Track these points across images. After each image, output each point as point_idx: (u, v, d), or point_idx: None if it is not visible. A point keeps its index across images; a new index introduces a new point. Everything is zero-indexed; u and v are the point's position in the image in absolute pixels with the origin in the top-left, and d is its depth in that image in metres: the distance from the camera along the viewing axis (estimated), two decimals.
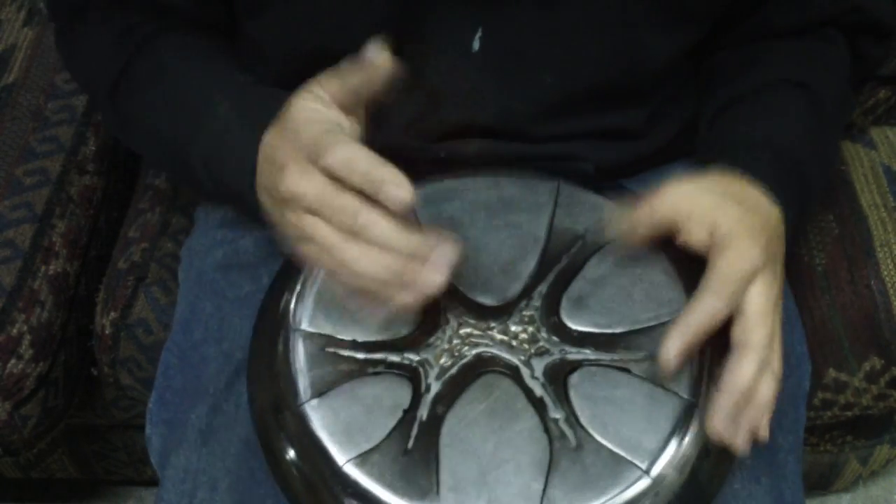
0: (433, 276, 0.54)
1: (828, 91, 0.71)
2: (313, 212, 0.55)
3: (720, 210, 0.58)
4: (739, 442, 0.55)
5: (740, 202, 0.59)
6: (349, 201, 0.54)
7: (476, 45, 0.67)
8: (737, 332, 0.56)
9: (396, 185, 0.53)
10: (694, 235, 0.58)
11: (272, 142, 0.59)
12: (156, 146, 0.74)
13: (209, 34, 0.74)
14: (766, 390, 0.55)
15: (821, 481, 1.18)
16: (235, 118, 0.64)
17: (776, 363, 0.57)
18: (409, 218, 0.54)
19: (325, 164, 0.54)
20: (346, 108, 0.59)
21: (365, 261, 0.54)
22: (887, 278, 0.86)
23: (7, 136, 0.97)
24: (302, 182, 0.55)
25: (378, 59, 0.57)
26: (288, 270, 0.65)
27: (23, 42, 1.04)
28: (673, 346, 0.55)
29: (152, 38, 0.71)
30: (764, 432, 0.56)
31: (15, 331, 0.88)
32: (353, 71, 0.58)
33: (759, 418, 0.55)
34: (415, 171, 0.67)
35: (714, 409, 0.55)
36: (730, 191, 0.60)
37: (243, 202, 0.63)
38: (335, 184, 0.54)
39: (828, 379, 0.90)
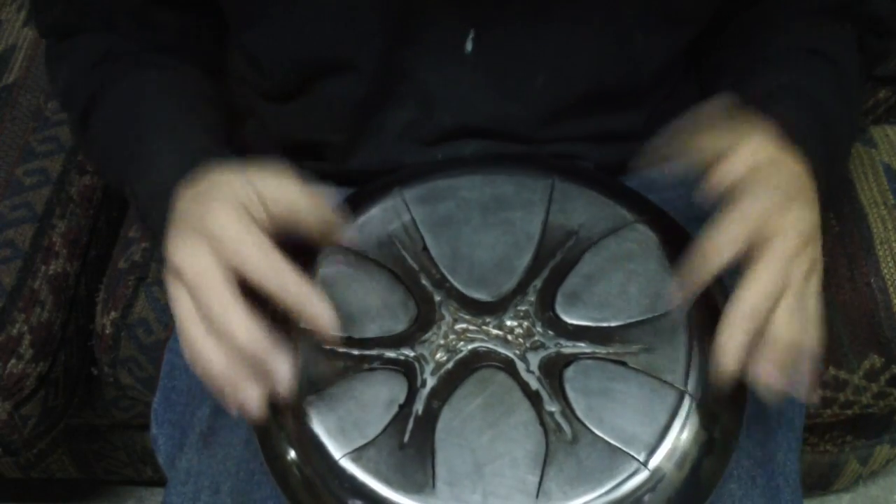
0: (256, 397, 0.53)
1: (845, 58, 0.70)
2: (186, 287, 0.53)
3: (756, 147, 0.56)
4: (760, 382, 0.52)
5: (775, 143, 0.58)
6: (220, 289, 0.52)
7: (469, 46, 0.67)
8: (755, 255, 0.53)
9: (313, 304, 0.53)
10: (729, 169, 0.56)
11: (185, 204, 0.58)
12: (107, 175, 0.75)
13: (190, 60, 0.74)
14: (784, 325, 0.52)
15: (821, 481, 1.17)
16: (171, 172, 0.62)
17: (811, 301, 0.54)
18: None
19: (239, 268, 0.53)
20: (269, 217, 0.56)
21: (208, 350, 0.52)
22: (887, 276, 0.86)
23: (7, 136, 0.97)
24: (185, 255, 0.53)
25: (335, 223, 0.57)
26: None
27: (23, 42, 1.04)
28: (691, 281, 0.54)
29: (125, 70, 0.71)
30: (797, 384, 0.52)
31: (15, 331, 0.88)
32: (309, 203, 0.56)
33: (778, 356, 0.52)
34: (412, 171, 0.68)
35: (720, 336, 0.52)
36: (767, 135, 0.58)
37: None
38: (216, 269, 0.53)
39: (827, 377, 0.90)
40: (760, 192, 0.54)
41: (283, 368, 0.53)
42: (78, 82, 0.72)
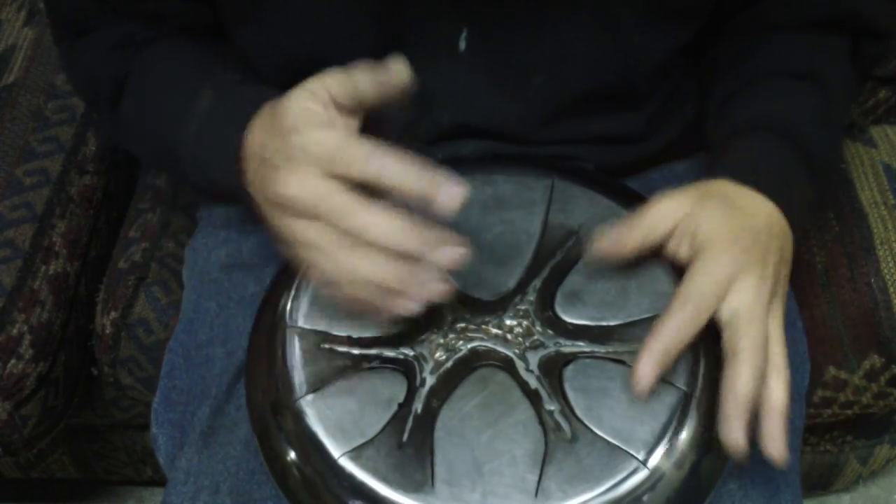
0: (437, 284, 0.53)
1: (832, 74, 0.71)
2: (308, 216, 0.53)
3: (700, 218, 0.58)
4: (773, 453, 0.55)
5: (725, 205, 0.59)
6: (346, 202, 0.52)
7: (462, 45, 0.67)
8: (724, 340, 0.56)
9: (441, 183, 0.52)
10: (679, 251, 0.59)
11: (260, 139, 0.58)
12: (151, 150, 0.74)
13: (204, 39, 0.74)
14: (780, 395, 0.55)
15: (821, 481, 1.17)
16: (217, 113, 0.63)
17: (780, 361, 0.56)
18: (414, 216, 0.52)
19: (358, 173, 0.52)
20: (346, 112, 0.56)
21: (364, 266, 0.52)
22: (887, 276, 0.86)
23: (7, 136, 0.97)
24: (295, 185, 0.53)
25: (398, 71, 0.56)
26: (287, 270, 0.65)
27: (23, 42, 1.04)
28: (645, 370, 0.55)
29: (148, 44, 0.72)
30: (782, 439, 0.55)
31: (15, 331, 0.88)
32: (365, 75, 0.56)
33: (784, 426, 0.55)
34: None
35: (723, 423, 0.55)
36: (716, 195, 0.60)
37: (238, 199, 0.61)
38: (331, 185, 0.52)
39: (827, 377, 0.90)
40: (708, 271, 0.56)
41: (449, 250, 0.52)
42: (101, 67, 0.72)
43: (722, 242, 0.57)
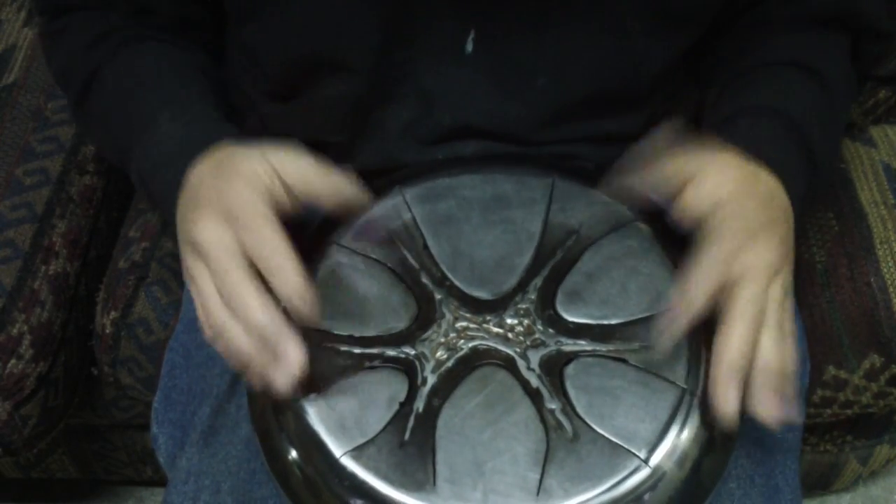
0: (281, 377, 0.54)
1: (832, 70, 0.71)
2: (203, 261, 0.56)
3: (716, 179, 0.58)
4: (758, 411, 0.54)
5: (738, 169, 0.59)
6: (235, 264, 0.54)
7: (469, 47, 0.67)
8: (726, 300, 0.55)
9: (298, 297, 0.54)
10: (690, 205, 0.58)
11: (201, 177, 0.60)
12: (109, 150, 0.75)
13: (188, 42, 0.74)
14: (771, 353, 0.54)
15: (821, 481, 1.17)
16: (171, 141, 0.65)
17: (787, 324, 0.56)
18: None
19: (251, 250, 0.54)
20: (289, 196, 0.58)
21: (227, 328, 0.54)
22: (887, 276, 0.86)
23: (7, 136, 0.97)
24: (203, 228, 0.55)
25: (358, 196, 0.59)
26: None
27: (23, 42, 1.04)
28: (672, 323, 0.55)
29: (125, 44, 0.72)
30: (784, 406, 0.54)
31: (15, 331, 0.88)
32: (324, 176, 0.58)
33: (772, 385, 0.54)
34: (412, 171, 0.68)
35: (711, 385, 0.54)
36: (730, 161, 0.60)
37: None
38: (232, 243, 0.54)
39: (827, 376, 0.90)
40: (725, 233, 0.56)
41: (293, 353, 0.54)
42: (76, 60, 0.72)
43: (736, 205, 0.57)
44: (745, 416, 0.56)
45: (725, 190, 0.57)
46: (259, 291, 0.54)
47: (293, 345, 0.54)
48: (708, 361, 0.57)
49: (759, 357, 0.54)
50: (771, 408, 0.54)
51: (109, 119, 0.71)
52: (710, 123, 0.71)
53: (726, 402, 0.53)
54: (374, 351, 0.59)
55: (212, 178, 0.58)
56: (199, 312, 0.56)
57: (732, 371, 0.53)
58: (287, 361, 0.54)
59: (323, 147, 0.75)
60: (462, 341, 0.60)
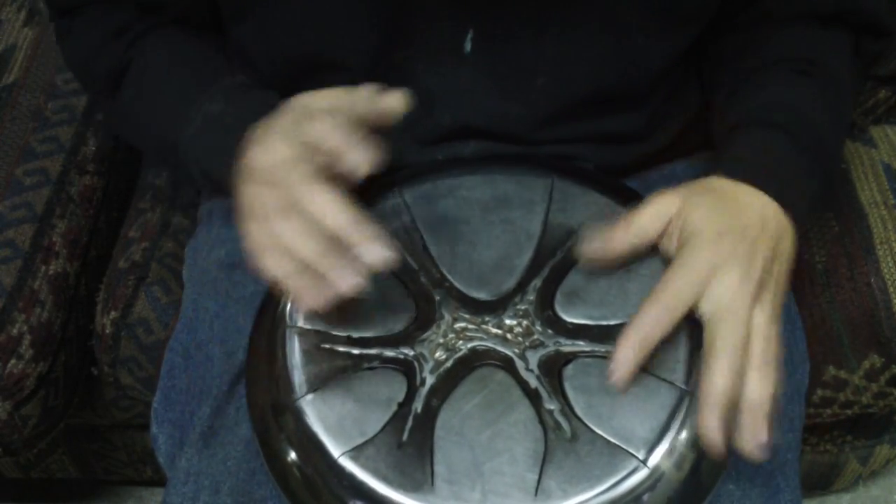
0: (352, 277, 0.53)
1: (835, 63, 0.71)
2: (267, 182, 0.56)
3: (690, 213, 0.58)
4: (746, 448, 0.54)
5: (717, 200, 0.59)
6: (302, 173, 0.54)
7: (468, 47, 0.67)
8: (704, 335, 0.56)
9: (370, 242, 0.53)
10: (669, 247, 0.59)
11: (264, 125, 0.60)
12: (150, 141, 0.74)
13: (200, 32, 0.74)
14: (756, 391, 0.54)
15: (821, 481, 1.17)
16: (224, 115, 0.65)
17: (772, 353, 0.56)
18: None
19: (325, 149, 0.55)
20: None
21: (289, 235, 0.54)
22: (887, 276, 0.86)
23: (7, 136, 0.97)
24: (264, 151, 0.56)
25: (395, 103, 0.58)
26: None
27: (23, 42, 1.04)
28: (621, 359, 0.55)
29: (145, 35, 0.72)
30: (760, 436, 0.54)
31: (15, 331, 0.88)
32: (363, 98, 0.58)
33: (759, 421, 0.54)
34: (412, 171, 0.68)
35: (699, 418, 0.54)
36: (709, 191, 0.60)
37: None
38: (297, 155, 0.55)
39: (827, 377, 0.90)
40: (688, 264, 0.56)
41: (376, 249, 0.53)
42: (98, 52, 0.72)
43: (706, 236, 0.57)
44: None
45: (702, 217, 0.58)
46: (336, 193, 0.54)
47: (378, 239, 0.53)
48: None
49: (745, 396, 0.54)
50: (758, 445, 0.54)
51: (150, 109, 0.71)
52: (719, 132, 0.71)
53: (711, 436, 0.54)
54: (373, 351, 0.59)
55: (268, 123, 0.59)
56: (256, 233, 0.56)
57: (716, 406, 0.54)
58: (371, 249, 0.53)
59: None
60: (461, 342, 0.60)
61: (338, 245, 0.53)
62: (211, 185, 0.67)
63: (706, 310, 0.56)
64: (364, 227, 0.53)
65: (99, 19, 0.73)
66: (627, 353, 0.55)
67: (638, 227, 0.59)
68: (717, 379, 0.54)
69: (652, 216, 0.59)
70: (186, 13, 0.74)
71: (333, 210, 0.53)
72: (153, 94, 0.70)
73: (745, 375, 0.55)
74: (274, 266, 0.55)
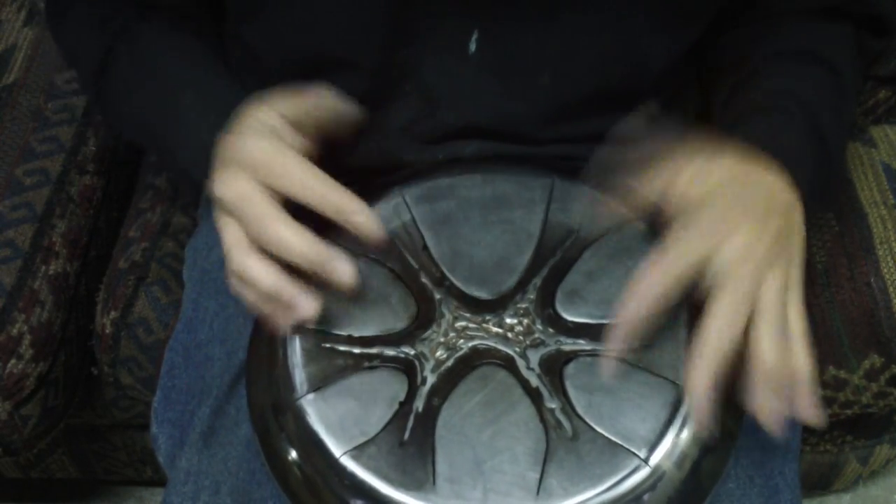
0: (307, 304, 0.56)
1: (839, 55, 0.71)
2: (232, 215, 0.57)
3: (696, 186, 0.57)
4: (759, 415, 0.52)
5: (726, 171, 0.58)
6: (263, 210, 0.56)
7: (473, 46, 0.67)
8: (711, 292, 0.54)
9: (357, 213, 0.56)
10: (676, 200, 0.58)
11: (222, 146, 0.61)
12: (133, 130, 0.76)
13: (190, 24, 0.74)
14: (769, 352, 0.52)
15: (821, 481, 1.17)
16: (197, 114, 0.66)
17: (794, 324, 0.54)
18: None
19: (280, 186, 0.56)
20: (300, 130, 0.61)
21: (254, 271, 0.56)
22: (887, 276, 0.86)
23: (7, 136, 0.97)
24: (225, 184, 0.57)
25: (350, 108, 0.62)
26: None
27: (23, 42, 1.04)
28: (623, 318, 0.54)
29: (132, 24, 0.72)
30: (797, 408, 0.52)
31: (15, 331, 0.88)
32: (318, 99, 0.61)
33: (772, 385, 0.52)
34: (412, 171, 0.68)
35: (687, 375, 0.53)
36: (720, 166, 0.59)
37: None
38: (256, 190, 0.56)
39: (827, 376, 0.90)
40: (699, 221, 0.55)
41: (343, 266, 0.56)
42: (88, 38, 0.73)
43: (714, 201, 0.56)
44: (744, 416, 0.56)
45: (709, 184, 0.56)
46: (289, 221, 0.55)
47: (340, 258, 0.56)
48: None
49: (756, 356, 0.52)
50: (770, 411, 0.53)
51: (134, 100, 0.72)
52: (723, 122, 0.70)
53: (699, 394, 0.52)
54: (374, 351, 0.59)
55: (229, 143, 0.60)
56: (228, 265, 0.58)
57: (707, 362, 0.52)
58: (341, 271, 0.56)
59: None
60: (462, 341, 0.60)
61: (301, 270, 0.56)
62: (186, 178, 0.69)
63: (715, 268, 0.53)
64: (325, 249, 0.56)
65: (89, 5, 0.73)
66: (627, 315, 0.54)
67: (653, 184, 0.58)
68: (709, 333, 0.52)
69: (670, 177, 0.58)
70: (181, 9, 0.74)
71: (292, 242, 0.55)
72: (136, 87, 0.71)
73: (757, 339, 0.53)
74: (243, 294, 0.58)
